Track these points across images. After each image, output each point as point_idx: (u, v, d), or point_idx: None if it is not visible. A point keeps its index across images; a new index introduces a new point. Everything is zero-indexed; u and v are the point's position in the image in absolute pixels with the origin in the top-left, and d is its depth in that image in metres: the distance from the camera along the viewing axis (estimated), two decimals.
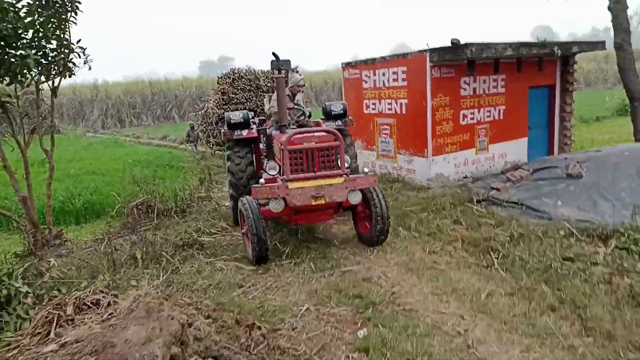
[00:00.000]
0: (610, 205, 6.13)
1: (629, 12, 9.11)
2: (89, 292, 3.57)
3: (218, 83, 12.91)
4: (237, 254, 5.66)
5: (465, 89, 8.39)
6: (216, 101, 12.75)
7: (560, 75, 9.68)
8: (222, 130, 6.60)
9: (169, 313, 2.49)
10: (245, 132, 6.44)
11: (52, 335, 2.96)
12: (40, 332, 3.27)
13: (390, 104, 8.71)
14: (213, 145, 13.82)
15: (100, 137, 25.44)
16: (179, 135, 19.74)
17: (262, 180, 5.10)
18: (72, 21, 6.31)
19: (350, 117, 7.00)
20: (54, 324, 3.20)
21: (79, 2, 6.31)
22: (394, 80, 8.51)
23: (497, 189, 7.43)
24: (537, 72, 9.25)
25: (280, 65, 6.02)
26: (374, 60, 8.98)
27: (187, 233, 6.20)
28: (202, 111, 14.15)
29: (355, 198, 5.29)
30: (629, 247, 4.88)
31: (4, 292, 4.05)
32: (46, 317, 3.29)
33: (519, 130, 9.35)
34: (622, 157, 7.27)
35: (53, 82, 6.42)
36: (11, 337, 3.41)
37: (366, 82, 9.18)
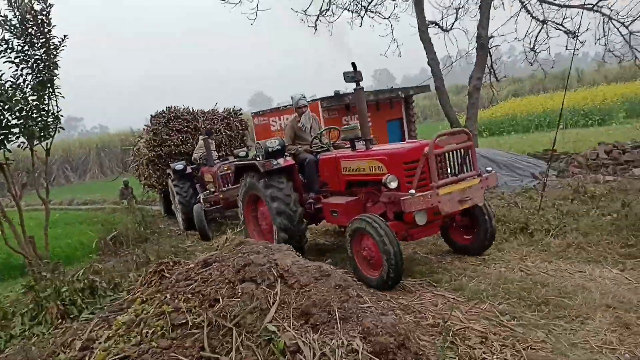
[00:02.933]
0: None
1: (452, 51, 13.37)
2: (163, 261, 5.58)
3: (151, 122, 11.36)
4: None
5: (345, 124, 11.68)
6: (147, 141, 11.33)
7: (405, 111, 13.60)
8: (260, 162, 6.06)
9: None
10: (282, 161, 6.07)
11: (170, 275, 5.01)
12: (153, 280, 5.16)
13: None
14: (144, 186, 12.92)
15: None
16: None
17: (412, 191, 4.59)
18: (58, 93, 7.96)
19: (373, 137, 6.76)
20: (162, 272, 5.19)
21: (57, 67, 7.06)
22: None
23: None
24: (390, 109, 13.01)
25: (356, 77, 5.50)
26: (277, 108, 11.90)
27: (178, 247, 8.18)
28: (134, 149, 13.05)
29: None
30: None
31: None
32: (154, 271, 5.19)
33: None
34: None
35: (47, 144, 8.04)
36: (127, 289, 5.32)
37: (273, 125, 11.98)
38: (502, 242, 5.76)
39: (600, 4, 10.59)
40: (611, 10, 10.67)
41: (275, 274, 3.62)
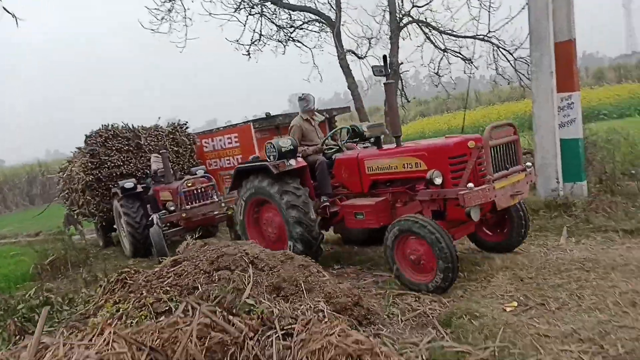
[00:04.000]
0: None
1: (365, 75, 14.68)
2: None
3: (86, 143, 10.08)
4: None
5: None
6: (83, 165, 10.09)
7: (329, 131, 14.67)
8: (272, 163, 5.69)
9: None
10: (294, 162, 5.72)
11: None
12: (116, 288, 5.47)
13: (228, 160, 12.15)
14: (78, 215, 11.80)
15: None
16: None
17: (471, 185, 4.40)
18: None
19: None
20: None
21: None
22: (229, 143, 12.04)
23: None
24: None
25: (385, 71, 5.23)
26: (210, 130, 12.41)
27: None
28: (64, 175, 11.78)
29: None
30: None
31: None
32: (116, 280, 5.48)
33: None
34: None
35: None
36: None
37: (206, 147, 12.44)
38: None
39: (489, 34, 12.41)
40: (499, 40, 12.54)
41: (247, 261, 4.25)
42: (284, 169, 5.61)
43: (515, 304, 3.99)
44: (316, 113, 6.69)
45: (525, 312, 3.82)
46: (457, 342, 3.37)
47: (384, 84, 5.31)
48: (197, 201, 8.40)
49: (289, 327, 2.42)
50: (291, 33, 13.84)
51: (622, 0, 78.29)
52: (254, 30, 12.74)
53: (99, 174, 9.99)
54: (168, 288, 4.38)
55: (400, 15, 12.80)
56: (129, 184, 9.08)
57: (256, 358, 2.09)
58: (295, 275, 4.08)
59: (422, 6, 12.46)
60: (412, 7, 12.53)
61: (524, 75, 12.86)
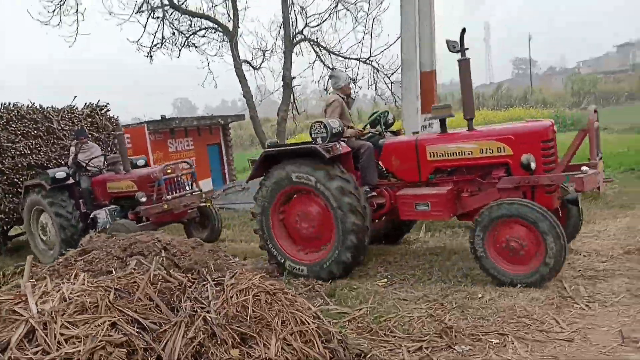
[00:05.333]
0: None
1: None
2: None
3: None
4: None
5: (171, 147, 12.66)
6: None
7: (223, 137, 15.18)
8: (323, 146, 4.97)
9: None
10: (341, 147, 5.14)
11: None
12: (14, 280, 5.52)
13: None
14: None
15: None
16: None
17: (584, 168, 4.24)
18: None
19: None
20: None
21: None
22: None
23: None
24: (210, 135, 14.43)
25: (459, 47, 4.75)
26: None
27: None
28: None
29: None
30: None
31: None
32: (13, 272, 5.53)
33: (205, 173, 14.22)
34: None
35: None
36: None
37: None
38: None
39: (371, 59, 13.99)
40: (378, 64, 14.19)
41: (160, 247, 4.72)
42: (336, 152, 4.98)
43: (385, 280, 5.05)
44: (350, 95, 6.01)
45: (391, 286, 4.88)
46: (339, 306, 4.29)
47: (458, 60, 4.81)
48: (177, 191, 7.31)
49: (219, 279, 3.08)
50: (188, 38, 14.17)
51: (483, 35, 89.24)
52: (154, 33, 12.86)
53: (1, 165, 8.34)
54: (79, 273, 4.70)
55: (294, 33, 13.85)
56: (60, 173, 7.45)
57: (195, 299, 2.73)
58: (206, 259, 4.68)
59: (315, 26, 13.62)
60: (305, 27, 13.64)
61: (398, 97, 14.68)
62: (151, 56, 12.84)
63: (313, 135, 5.10)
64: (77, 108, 9.49)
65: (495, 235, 4.37)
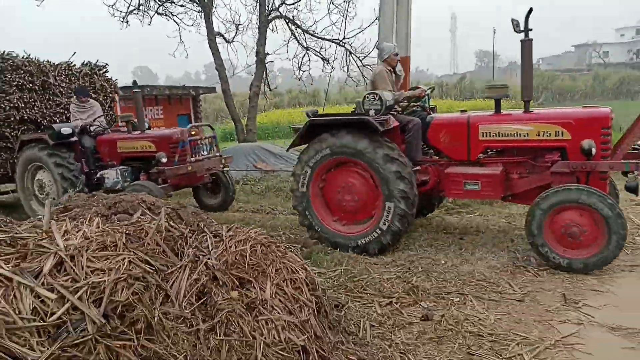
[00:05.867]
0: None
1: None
2: None
3: None
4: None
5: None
6: None
7: (193, 108, 15.10)
8: (377, 118, 4.98)
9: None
10: (392, 121, 5.11)
11: None
12: None
13: None
14: None
15: None
16: None
17: None
18: None
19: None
20: None
21: None
22: None
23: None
24: (180, 105, 14.33)
25: (520, 27, 4.66)
26: None
27: None
28: None
29: None
30: None
31: None
32: None
33: None
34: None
35: None
36: None
37: None
38: None
39: (344, 40, 14.24)
40: (351, 46, 14.46)
41: (144, 206, 4.88)
42: (390, 126, 5.00)
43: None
44: (399, 64, 5.87)
45: (362, 255, 5.24)
46: (315, 267, 4.63)
47: (520, 40, 4.73)
48: (198, 154, 7.14)
49: (216, 232, 3.34)
50: (161, 5, 13.95)
51: (449, 26, 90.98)
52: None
53: None
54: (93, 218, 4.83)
55: (269, 9, 13.89)
56: (66, 129, 7.06)
57: (197, 247, 2.99)
58: (191, 220, 4.91)
59: (292, 4, 13.70)
60: (282, 4, 13.69)
61: (368, 79, 15.04)
62: (127, 21, 12.59)
63: (366, 106, 5.08)
64: (74, 65, 8.94)
65: (553, 221, 4.38)
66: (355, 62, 14.63)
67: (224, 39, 14.94)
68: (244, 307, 2.75)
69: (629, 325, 3.43)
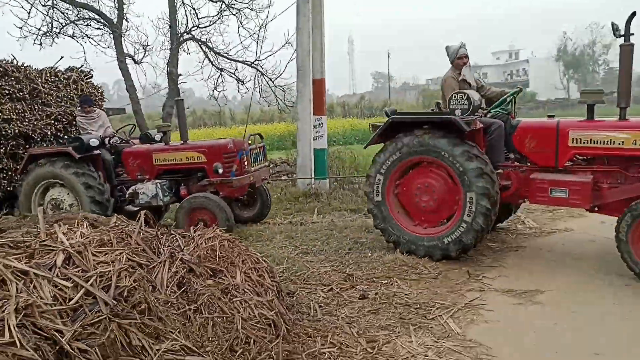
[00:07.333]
0: None
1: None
2: None
3: None
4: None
5: None
6: None
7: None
8: (463, 118, 4.86)
9: None
10: (478, 122, 5.02)
11: None
12: None
13: None
14: None
15: None
16: None
17: None
18: None
19: None
20: None
21: None
22: None
23: None
24: None
25: (626, 31, 4.48)
26: None
27: None
28: None
29: None
30: None
31: None
32: None
33: None
34: None
35: None
36: None
37: None
38: None
39: (255, 62, 14.87)
40: (262, 68, 15.12)
41: (87, 223, 5.05)
42: (476, 127, 4.89)
43: (292, 248, 6.02)
44: (468, 66, 5.72)
45: (298, 255, 5.84)
46: None
47: (620, 45, 4.55)
48: (255, 164, 6.95)
49: (183, 233, 3.74)
50: (64, 27, 13.56)
51: (346, 48, 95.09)
52: (43, 19, 12.23)
53: None
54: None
55: (181, 32, 14.13)
56: (94, 140, 6.53)
57: (169, 246, 3.38)
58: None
59: (205, 27, 14.09)
60: (195, 27, 14.03)
61: (280, 99, 15.78)
62: (40, 43, 12.12)
63: (453, 106, 5.00)
64: (59, 71, 8.32)
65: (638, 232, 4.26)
66: (267, 82, 15.31)
67: (133, 60, 14.84)
68: (220, 292, 3.22)
69: (517, 288, 4.47)
